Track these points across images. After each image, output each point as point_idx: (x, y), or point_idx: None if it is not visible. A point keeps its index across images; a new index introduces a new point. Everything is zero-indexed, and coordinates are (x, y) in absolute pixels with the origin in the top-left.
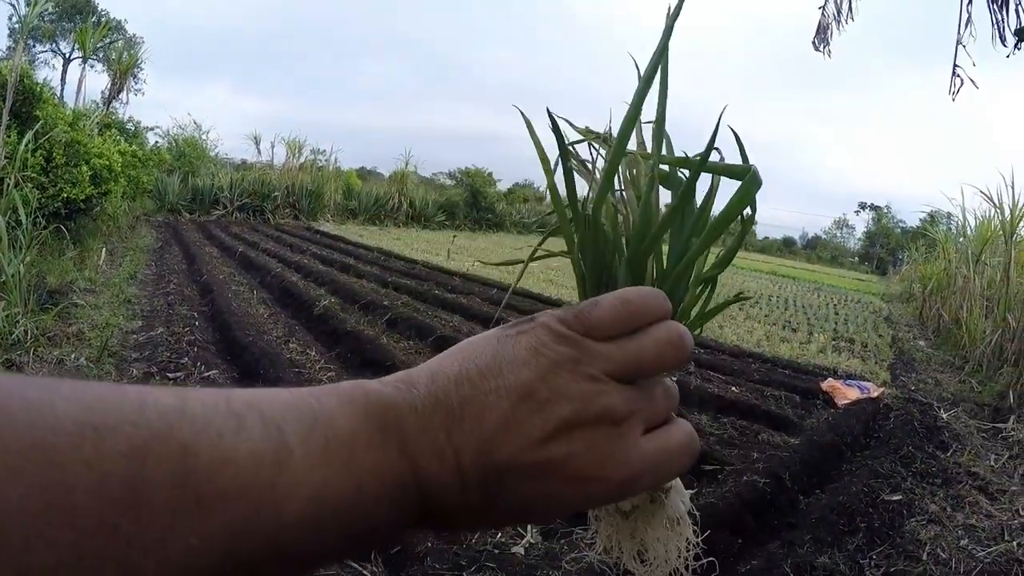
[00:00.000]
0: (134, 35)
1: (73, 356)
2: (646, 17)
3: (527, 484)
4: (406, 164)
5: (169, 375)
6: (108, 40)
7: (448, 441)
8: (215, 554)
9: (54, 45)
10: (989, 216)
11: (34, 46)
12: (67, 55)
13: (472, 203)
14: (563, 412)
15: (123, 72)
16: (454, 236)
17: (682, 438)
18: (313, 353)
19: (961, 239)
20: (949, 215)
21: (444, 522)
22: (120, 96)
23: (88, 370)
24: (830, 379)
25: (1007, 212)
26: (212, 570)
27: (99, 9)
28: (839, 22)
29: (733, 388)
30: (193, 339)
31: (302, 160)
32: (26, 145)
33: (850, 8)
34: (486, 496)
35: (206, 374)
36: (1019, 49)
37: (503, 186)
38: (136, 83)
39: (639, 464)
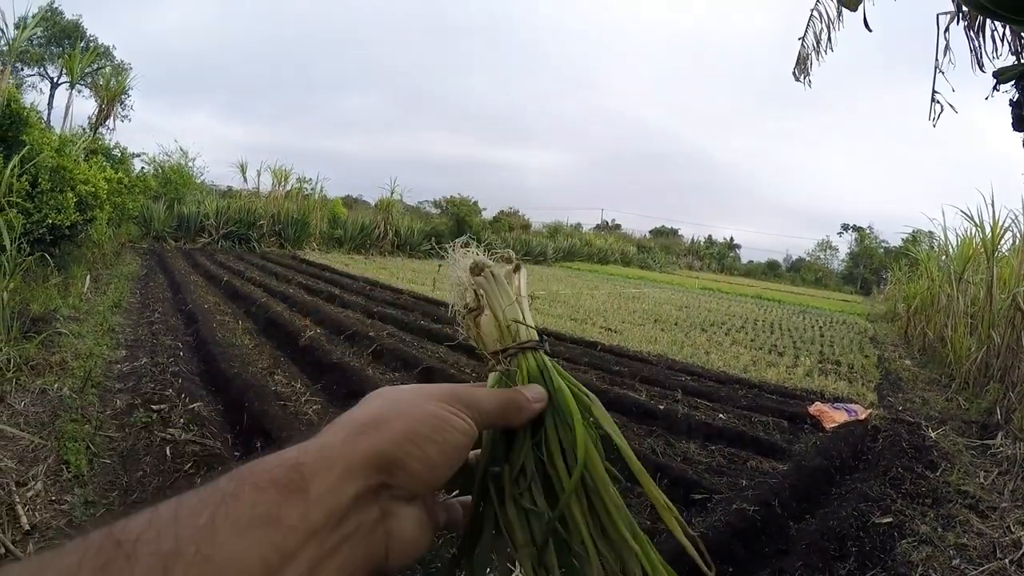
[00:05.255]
0: (122, 61)
1: (56, 386)
2: (611, 46)
3: None
4: (391, 192)
5: (153, 407)
6: (96, 66)
7: None
8: None
9: (42, 69)
10: (970, 234)
11: (22, 69)
12: (55, 80)
13: (457, 231)
14: None
15: (111, 99)
16: (439, 265)
17: None
18: (298, 385)
19: (943, 258)
20: (931, 234)
21: None
22: (107, 122)
23: (71, 401)
24: (817, 403)
25: (988, 230)
26: None
27: (88, 35)
28: (818, 53)
29: (720, 415)
30: (177, 370)
31: (288, 188)
32: (12, 170)
33: (829, 39)
34: None
35: (191, 406)
36: (997, 91)
37: (488, 214)
38: (123, 109)
39: None
